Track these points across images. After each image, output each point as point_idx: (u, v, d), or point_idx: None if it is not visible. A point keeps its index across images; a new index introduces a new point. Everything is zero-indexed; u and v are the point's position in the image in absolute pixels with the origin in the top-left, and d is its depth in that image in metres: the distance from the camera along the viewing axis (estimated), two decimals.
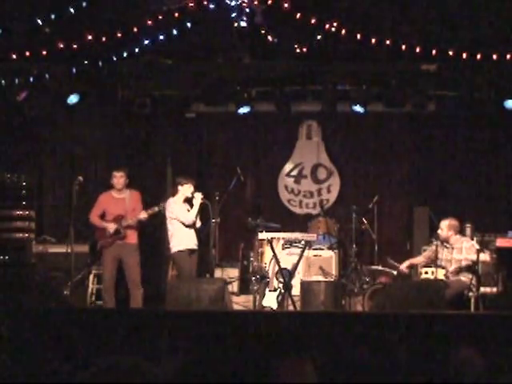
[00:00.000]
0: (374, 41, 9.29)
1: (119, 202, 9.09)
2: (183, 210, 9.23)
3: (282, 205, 11.64)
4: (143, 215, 9.01)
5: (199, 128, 11.62)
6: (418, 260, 9.36)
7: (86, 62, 9.88)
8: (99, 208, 9.14)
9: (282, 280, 8.78)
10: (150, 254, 10.91)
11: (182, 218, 9.13)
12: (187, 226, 9.16)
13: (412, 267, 9.45)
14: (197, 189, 9.27)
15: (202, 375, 2.62)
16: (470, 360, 3.96)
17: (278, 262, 8.87)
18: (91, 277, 9.79)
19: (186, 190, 9.19)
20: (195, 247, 9.24)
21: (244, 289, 10.30)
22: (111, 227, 8.97)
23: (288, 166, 11.67)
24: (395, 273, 9.66)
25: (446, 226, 9.00)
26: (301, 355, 2.88)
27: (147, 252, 10.08)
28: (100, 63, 9.89)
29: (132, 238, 9.09)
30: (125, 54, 9.68)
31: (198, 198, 9.11)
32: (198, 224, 9.28)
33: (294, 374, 2.85)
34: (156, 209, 9.05)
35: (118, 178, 9.09)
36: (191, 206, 9.19)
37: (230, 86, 10.68)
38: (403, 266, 9.21)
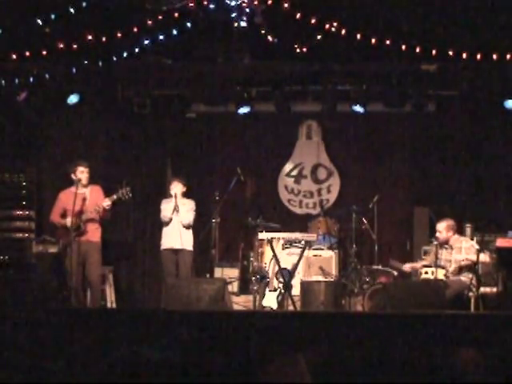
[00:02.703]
0: (373, 41, 9.28)
1: (80, 197, 8.80)
2: (163, 208, 9.40)
3: (282, 205, 11.64)
4: (106, 202, 8.64)
5: (199, 128, 11.62)
6: (421, 265, 9.33)
7: (85, 61, 9.88)
8: (59, 207, 8.92)
9: (282, 280, 8.78)
10: (150, 253, 10.95)
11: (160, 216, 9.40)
12: (166, 224, 9.33)
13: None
14: (186, 187, 9.51)
15: (202, 374, 2.63)
16: (470, 360, 3.96)
17: (278, 262, 8.87)
18: None
19: (172, 188, 9.42)
20: (178, 247, 9.25)
21: (244, 289, 10.30)
22: (70, 222, 8.65)
23: (288, 166, 11.66)
24: (395, 273, 9.66)
25: (443, 228, 8.98)
26: (295, 354, 2.87)
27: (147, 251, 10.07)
28: (100, 63, 9.89)
29: (95, 236, 8.83)
30: (125, 54, 9.68)
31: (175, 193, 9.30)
32: (185, 222, 9.26)
33: (288, 373, 2.84)
34: (114, 197, 8.70)
35: (86, 173, 8.89)
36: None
37: (230, 86, 10.68)
38: (406, 266, 9.20)
